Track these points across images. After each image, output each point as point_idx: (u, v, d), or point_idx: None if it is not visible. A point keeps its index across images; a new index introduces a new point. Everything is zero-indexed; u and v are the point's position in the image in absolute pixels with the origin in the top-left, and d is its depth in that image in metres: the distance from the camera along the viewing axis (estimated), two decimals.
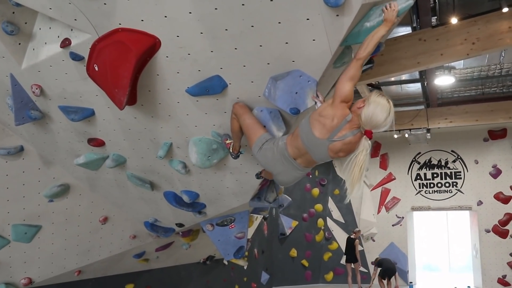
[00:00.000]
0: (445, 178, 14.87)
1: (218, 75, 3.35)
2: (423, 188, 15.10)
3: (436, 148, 14.98)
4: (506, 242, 13.80)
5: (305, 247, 14.41)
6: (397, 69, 7.99)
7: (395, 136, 13.50)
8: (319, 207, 14.95)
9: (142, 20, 3.07)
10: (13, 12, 3.56)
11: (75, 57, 3.44)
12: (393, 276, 11.96)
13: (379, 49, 4.00)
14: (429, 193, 15.01)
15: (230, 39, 3.05)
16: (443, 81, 10.67)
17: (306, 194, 14.61)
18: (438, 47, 7.58)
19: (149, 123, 3.96)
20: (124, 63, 3.14)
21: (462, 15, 7.60)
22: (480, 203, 14.25)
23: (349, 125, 2.89)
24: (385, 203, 15.24)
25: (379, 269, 12.11)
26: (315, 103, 3.23)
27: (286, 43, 3.01)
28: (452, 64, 9.91)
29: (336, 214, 15.29)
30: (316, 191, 14.91)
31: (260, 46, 3.06)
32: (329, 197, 15.34)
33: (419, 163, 15.20)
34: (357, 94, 9.96)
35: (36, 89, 3.85)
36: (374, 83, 10.68)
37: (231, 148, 3.81)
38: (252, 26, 2.93)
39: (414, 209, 15.13)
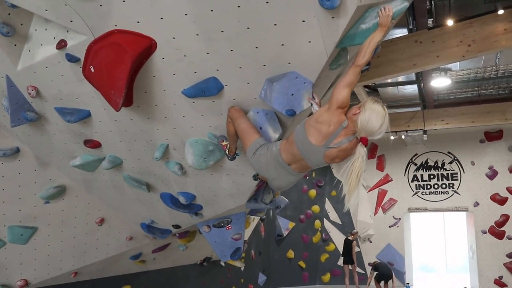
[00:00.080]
0: (442, 180, 14.90)
1: (214, 76, 3.36)
2: (419, 189, 15.13)
3: (433, 150, 15.02)
4: (503, 243, 13.84)
5: (302, 248, 14.41)
6: (393, 71, 8.03)
7: (392, 137, 13.53)
8: (316, 208, 14.96)
9: (138, 22, 3.07)
10: (9, 14, 3.55)
11: (71, 58, 3.44)
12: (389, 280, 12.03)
13: (375, 51, 4.01)
14: (426, 194, 15.04)
15: (226, 40, 3.06)
16: (440, 82, 10.72)
17: (303, 195, 14.62)
18: (434, 49, 7.62)
19: (145, 124, 3.96)
20: (120, 65, 3.14)
21: (458, 17, 7.63)
22: (476, 204, 14.29)
23: (345, 131, 2.89)
24: (382, 204, 15.26)
25: (375, 272, 12.15)
26: (311, 104, 3.24)
27: (282, 45, 3.02)
28: (448, 66, 9.95)
29: (333, 215, 15.30)
30: (313, 192, 14.92)
31: (256, 48, 3.07)
32: (326, 199, 15.36)
33: (415, 164, 15.23)
34: (353, 96, 9.98)
35: (32, 90, 3.84)
36: (370, 84, 10.71)
37: (227, 150, 3.82)
38: (248, 28, 2.94)
39: (411, 210, 15.16)
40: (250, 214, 5.87)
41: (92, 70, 3.29)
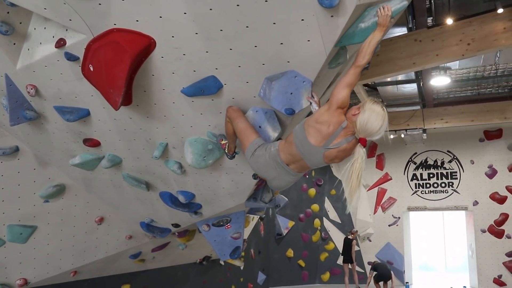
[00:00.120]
0: (441, 178, 14.92)
1: (213, 75, 3.36)
2: (419, 188, 15.15)
3: (432, 149, 15.04)
4: (502, 242, 13.85)
5: (301, 247, 14.43)
6: (392, 70, 8.03)
7: (391, 136, 13.54)
8: (315, 207, 14.97)
9: (137, 21, 3.07)
10: (8, 12, 3.55)
11: (70, 57, 3.44)
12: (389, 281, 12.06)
13: (375, 50, 4.02)
14: (425, 193, 15.06)
15: (225, 39, 3.05)
16: (439, 81, 10.72)
17: (303, 194, 14.63)
18: (434, 48, 7.62)
19: (144, 123, 3.96)
20: (119, 64, 3.14)
21: (458, 16, 7.64)
22: (476, 203, 14.31)
23: (344, 132, 2.89)
24: (382, 203, 15.28)
25: (374, 272, 12.17)
26: (310, 103, 3.24)
27: (281, 43, 3.02)
28: (448, 64, 9.95)
29: (332, 214, 15.31)
30: (312, 191, 14.94)
31: (255, 46, 3.07)
32: (326, 197, 15.37)
33: (415, 163, 15.24)
34: (353, 95, 9.98)
35: (31, 89, 3.84)
36: (370, 83, 10.71)
37: (226, 149, 3.82)
38: (247, 26, 2.94)
39: (410, 209, 15.17)
40: (250, 213, 5.88)
41: (91, 69, 3.29)
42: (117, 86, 3.21)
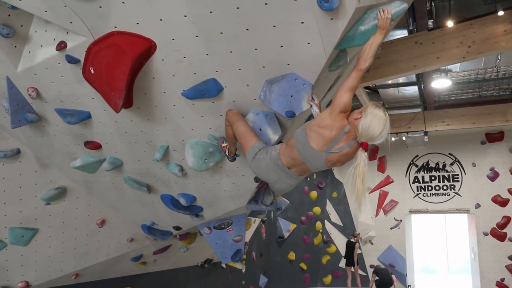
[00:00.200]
0: (443, 181, 14.89)
1: (213, 78, 3.37)
2: (421, 191, 15.12)
3: (434, 151, 15.01)
4: (505, 245, 13.81)
5: (303, 250, 14.40)
6: (393, 72, 8.04)
7: (393, 139, 13.53)
8: (317, 210, 14.95)
9: (138, 23, 3.08)
10: (9, 15, 3.57)
11: (71, 60, 3.45)
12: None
13: (375, 52, 4.02)
14: (427, 196, 15.03)
15: (225, 42, 3.06)
16: (440, 84, 10.71)
17: (304, 197, 14.62)
18: (434, 50, 7.63)
19: (145, 126, 3.97)
20: (120, 66, 3.15)
21: (458, 19, 7.64)
22: (478, 206, 14.27)
23: (346, 136, 2.90)
24: (383, 206, 15.25)
25: (376, 277, 12.18)
26: (311, 106, 3.24)
27: (281, 46, 3.02)
28: (449, 67, 9.95)
29: (334, 217, 15.29)
30: (314, 194, 14.92)
31: (255, 49, 3.08)
32: (327, 200, 15.35)
33: (416, 166, 15.22)
34: (354, 97, 9.95)
35: (32, 91, 3.85)
36: (371, 85, 10.71)
37: (227, 151, 3.83)
38: (247, 29, 2.95)
39: (412, 212, 15.14)
40: (251, 215, 5.87)
41: (92, 71, 3.31)
42: (118, 88, 3.22)
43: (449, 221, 18.73)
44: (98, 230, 5.50)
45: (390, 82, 10.68)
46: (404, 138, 13.57)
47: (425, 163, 15.14)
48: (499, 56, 9.40)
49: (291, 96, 3.23)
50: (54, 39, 3.50)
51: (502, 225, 13.89)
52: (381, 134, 2.83)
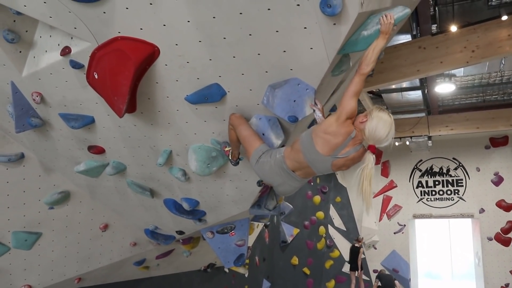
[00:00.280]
0: (447, 186, 14.85)
1: (216, 83, 3.38)
2: (424, 195, 15.08)
3: (438, 156, 14.99)
4: (509, 250, 13.75)
5: (306, 254, 14.36)
6: (397, 77, 8.03)
7: (396, 143, 13.51)
8: (320, 214, 14.92)
9: (141, 29, 3.10)
10: (14, 21, 3.59)
11: (75, 65, 3.47)
12: None
13: (379, 57, 4.02)
14: (431, 200, 14.99)
15: (228, 47, 3.07)
16: (444, 88, 10.71)
17: (308, 201, 14.59)
18: (438, 55, 7.63)
19: (148, 130, 3.98)
20: (124, 71, 3.17)
21: (462, 23, 7.64)
22: (482, 210, 14.22)
23: (353, 141, 2.92)
24: (387, 210, 15.22)
25: (379, 283, 12.16)
26: (314, 111, 3.25)
27: (284, 51, 3.03)
28: (453, 71, 9.94)
29: (337, 221, 15.25)
30: (317, 198, 14.89)
31: (258, 54, 3.08)
32: (331, 205, 15.32)
33: (420, 170, 15.19)
34: (358, 102, 9.96)
35: (37, 96, 3.87)
36: (375, 90, 10.71)
37: (230, 155, 3.84)
38: (250, 34, 2.96)
39: (416, 216, 15.11)
40: (254, 220, 5.87)
41: (96, 76, 3.32)
42: (121, 93, 3.23)
43: (453, 226, 18.66)
44: (101, 234, 5.51)
45: (393, 86, 10.67)
46: (407, 143, 13.55)
47: (429, 168, 15.12)
48: (503, 61, 9.39)
49: (294, 101, 3.24)
50: (58, 45, 3.52)
51: (507, 230, 13.83)
52: (387, 137, 2.85)
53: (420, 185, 15.14)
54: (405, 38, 8.29)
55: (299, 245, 14.08)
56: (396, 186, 15.26)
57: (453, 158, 14.84)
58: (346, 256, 14.44)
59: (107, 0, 2.98)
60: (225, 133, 3.78)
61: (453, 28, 7.54)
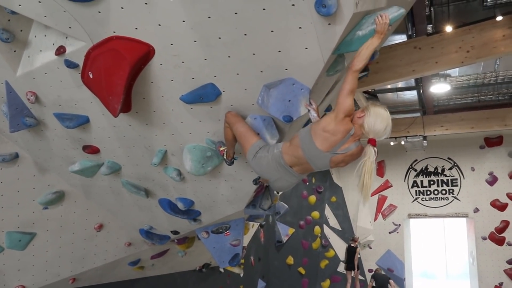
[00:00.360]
0: (442, 186, 14.90)
1: (212, 83, 3.37)
2: (419, 195, 15.13)
3: (433, 156, 15.03)
4: (503, 249, 13.81)
5: (302, 254, 14.37)
6: (392, 77, 8.05)
7: (392, 143, 13.53)
8: (316, 214, 14.93)
9: (136, 28, 3.09)
10: (9, 20, 3.57)
11: (70, 64, 3.46)
12: None
13: (374, 57, 4.02)
14: (426, 200, 15.04)
15: (223, 47, 3.07)
16: (439, 88, 10.73)
17: (303, 201, 14.60)
18: (433, 55, 7.65)
19: (143, 130, 3.97)
20: (118, 71, 3.16)
21: (457, 24, 7.66)
22: (476, 210, 14.28)
23: (352, 138, 2.96)
24: (382, 210, 15.25)
25: (374, 283, 12.20)
26: (308, 111, 3.26)
27: (279, 51, 3.04)
28: (448, 71, 9.96)
29: (333, 221, 15.28)
30: (313, 198, 14.90)
31: (253, 54, 3.09)
32: (326, 205, 15.34)
33: (415, 170, 15.23)
34: (354, 102, 9.97)
35: (31, 96, 3.86)
36: (370, 90, 10.73)
37: (225, 155, 3.84)
38: (245, 34, 2.96)
39: (410, 216, 15.15)
40: (249, 220, 5.87)
41: (91, 76, 3.31)
42: (116, 93, 3.22)
43: (447, 226, 18.73)
44: (95, 234, 5.49)
45: (389, 86, 10.69)
46: (403, 143, 13.58)
47: (424, 168, 15.17)
48: (497, 61, 9.42)
49: (289, 100, 3.24)
50: (53, 44, 3.51)
51: (501, 229, 13.90)
52: (386, 130, 2.92)
53: (415, 184, 15.19)
54: (401, 38, 8.31)
55: (294, 245, 14.08)
56: (391, 186, 15.31)
57: (448, 158, 14.90)
58: (341, 256, 14.47)
59: None
60: (220, 133, 3.78)
61: (448, 28, 7.56)
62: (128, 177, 4.73)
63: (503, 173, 14.10)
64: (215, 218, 5.12)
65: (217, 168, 4.22)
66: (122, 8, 2.98)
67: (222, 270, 9.31)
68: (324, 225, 15.22)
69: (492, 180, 14.21)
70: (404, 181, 15.27)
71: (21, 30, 3.66)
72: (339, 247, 14.61)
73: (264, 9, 2.78)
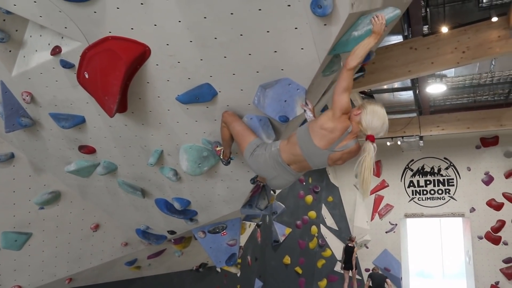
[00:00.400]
0: (438, 185, 14.93)
1: (208, 83, 3.38)
2: (416, 195, 15.16)
3: (429, 155, 15.06)
4: (499, 248, 13.85)
5: (298, 254, 14.38)
6: (388, 77, 8.06)
7: (388, 143, 13.56)
8: (312, 214, 14.93)
9: (132, 29, 3.09)
10: (4, 20, 3.57)
11: (66, 64, 3.46)
12: None
13: (369, 57, 4.04)
14: (422, 200, 15.07)
15: (219, 47, 3.08)
16: (435, 89, 10.76)
17: (300, 201, 14.60)
18: (429, 56, 7.66)
19: (139, 130, 3.97)
20: (114, 71, 3.16)
21: (453, 24, 7.67)
22: (472, 210, 14.32)
23: (350, 135, 2.98)
24: (379, 210, 15.28)
25: (370, 282, 12.22)
26: (304, 111, 3.27)
27: (275, 51, 3.04)
28: (444, 72, 9.99)
29: (329, 221, 15.29)
30: (309, 198, 14.91)
31: (249, 54, 3.09)
32: (323, 204, 15.35)
33: (412, 170, 15.26)
34: (350, 103, 9.98)
35: (27, 96, 3.85)
36: (366, 90, 10.75)
37: (221, 155, 3.84)
38: (241, 34, 2.96)
39: (407, 216, 15.18)
40: (246, 220, 5.88)
41: (87, 76, 3.31)
42: (112, 93, 3.22)
43: (444, 225, 18.78)
44: (92, 234, 5.48)
45: (385, 87, 10.71)
46: (399, 143, 13.60)
47: (420, 168, 15.20)
48: (493, 62, 9.45)
49: (285, 101, 3.25)
50: (48, 44, 3.50)
51: (497, 228, 13.94)
52: (383, 126, 2.96)
53: (411, 184, 15.22)
54: (397, 39, 8.32)
55: (291, 244, 14.09)
56: (387, 186, 15.33)
57: (444, 158, 14.93)
58: (338, 255, 14.49)
59: None
60: (216, 133, 3.78)
61: (444, 29, 7.58)
62: (124, 177, 4.73)
63: (499, 173, 14.15)
64: (211, 218, 5.12)
65: (214, 168, 4.22)
66: (117, 8, 2.98)
67: (219, 270, 9.31)
68: (321, 224, 15.23)
69: (488, 180, 14.26)
70: (401, 181, 15.30)
71: (17, 30, 3.66)
72: (336, 247, 14.62)
73: (260, 9, 2.78)
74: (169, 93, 3.50)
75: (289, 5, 2.73)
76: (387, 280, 12.43)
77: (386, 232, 15.07)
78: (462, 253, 15.52)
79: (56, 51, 3.43)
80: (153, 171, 4.48)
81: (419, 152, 14.96)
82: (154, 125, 3.88)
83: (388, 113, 3.07)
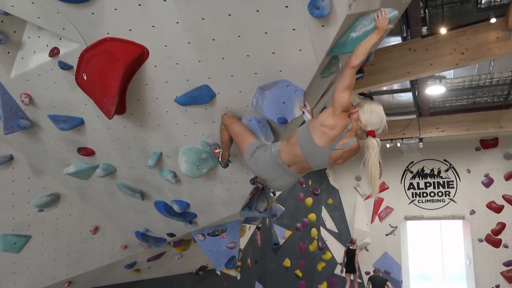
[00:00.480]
0: (438, 187, 14.92)
1: (206, 84, 3.38)
2: (416, 197, 15.14)
3: (429, 157, 15.05)
4: (499, 251, 13.82)
5: (298, 257, 14.35)
6: (387, 79, 8.07)
7: (388, 145, 13.56)
8: (312, 216, 14.92)
9: (130, 30, 3.09)
10: (2, 21, 3.57)
11: (64, 66, 3.46)
12: None
13: (368, 59, 4.04)
14: (422, 202, 15.05)
15: (217, 48, 3.08)
16: (434, 90, 10.77)
17: (300, 203, 14.59)
18: (428, 57, 7.67)
19: (138, 132, 3.97)
20: (113, 73, 3.16)
21: (451, 26, 7.69)
22: (472, 212, 14.30)
23: (349, 133, 2.98)
24: (379, 212, 15.25)
25: (371, 285, 12.20)
26: (303, 112, 3.26)
27: (273, 53, 3.04)
28: (443, 73, 10.01)
29: (329, 223, 15.27)
30: (309, 200, 14.89)
31: (248, 56, 3.09)
32: (323, 207, 15.33)
33: (412, 172, 15.25)
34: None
35: (25, 98, 3.85)
36: (365, 92, 10.76)
37: (220, 157, 3.83)
38: (239, 36, 2.96)
39: (407, 218, 15.15)
40: (245, 222, 5.86)
41: (85, 77, 3.31)
42: (111, 95, 3.22)
43: (444, 228, 18.78)
44: (91, 237, 5.48)
45: (384, 88, 10.73)
46: (399, 145, 13.60)
47: (420, 170, 15.18)
48: (492, 63, 9.46)
49: (283, 102, 3.25)
50: (47, 46, 3.50)
51: (497, 231, 13.91)
52: (382, 122, 2.98)
53: (411, 186, 15.20)
54: (396, 40, 8.35)
55: (291, 247, 14.07)
56: (387, 188, 15.31)
57: (444, 160, 14.92)
58: (338, 258, 14.47)
59: (95, 1, 2.97)
60: (214, 135, 3.78)
61: (443, 30, 7.59)
62: (124, 179, 4.73)
63: (499, 175, 14.13)
64: (211, 221, 5.11)
65: (213, 170, 4.22)
66: (115, 9, 2.98)
67: (218, 272, 9.28)
68: (321, 227, 15.21)
69: (488, 182, 14.24)
70: (401, 183, 15.29)
71: (15, 32, 3.65)
72: (336, 250, 14.60)
73: (257, 10, 2.78)
74: (168, 95, 3.50)
75: (286, 6, 2.74)
76: (388, 283, 12.39)
77: (386, 235, 15.05)
78: (462, 255, 15.50)
79: (54, 52, 3.43)
80: (152, 173, 4.47)
81: (419, 154, 14.95)
82: (153, 127, 3.87)
83: (387, 114, 3.09)
